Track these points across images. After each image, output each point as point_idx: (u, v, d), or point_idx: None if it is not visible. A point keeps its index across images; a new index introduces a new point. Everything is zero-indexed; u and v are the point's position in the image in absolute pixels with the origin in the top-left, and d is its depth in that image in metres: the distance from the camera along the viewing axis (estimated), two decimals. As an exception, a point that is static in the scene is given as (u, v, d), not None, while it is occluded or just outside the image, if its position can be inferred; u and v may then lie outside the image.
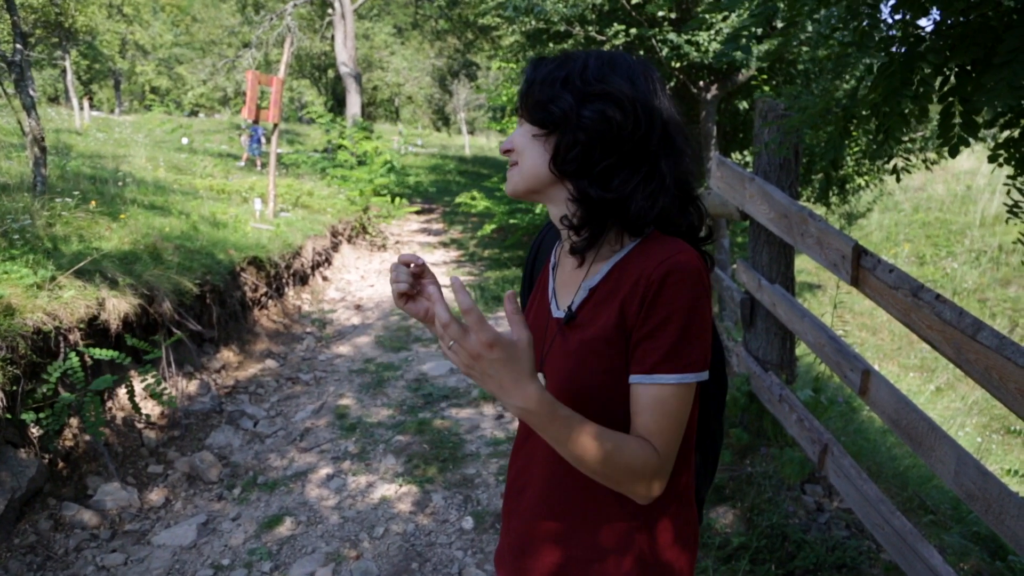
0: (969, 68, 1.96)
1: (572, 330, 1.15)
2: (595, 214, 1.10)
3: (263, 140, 15.77)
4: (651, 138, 1.09)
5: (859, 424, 4.31)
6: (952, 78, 2.02)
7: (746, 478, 3.23)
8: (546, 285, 1.26)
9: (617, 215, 1.09)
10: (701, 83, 9.17)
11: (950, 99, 1.99)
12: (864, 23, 1.80)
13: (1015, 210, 2.38)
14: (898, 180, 3.03)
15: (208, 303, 5.21)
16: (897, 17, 2.17)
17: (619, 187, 1.08)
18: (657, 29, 8.18)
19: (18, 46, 5.60)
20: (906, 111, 2.13)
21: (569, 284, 1.20)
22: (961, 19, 1.90)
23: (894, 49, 2.17)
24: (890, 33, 2.25)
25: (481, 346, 0.91)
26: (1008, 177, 2.37)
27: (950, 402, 8.72)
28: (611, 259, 1.13)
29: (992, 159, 2.28)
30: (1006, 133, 2.26)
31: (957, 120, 1.99)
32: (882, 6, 2.22)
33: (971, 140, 2.03)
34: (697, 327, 1.03)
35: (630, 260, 1.10)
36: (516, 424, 4.39)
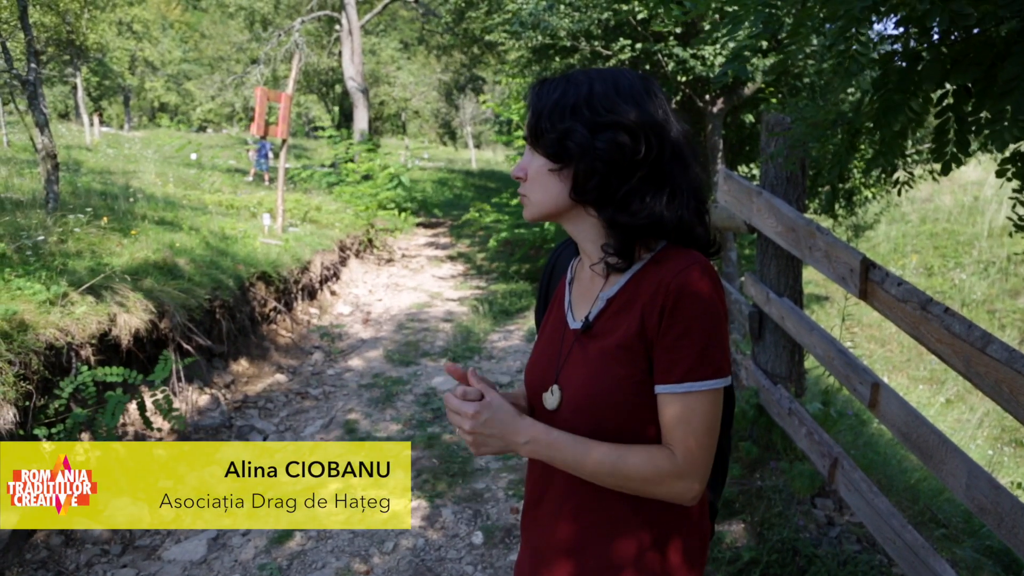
0: (969, 86, 1.96)
1: (590, 339, 1.17)
2: (629, 236, 1.13)
3: (270, 155, 15.87)
4: (663, 156, 1.11)
5: (869, 437, 4.29)
6: (950, 96, 2.02)
7: (756, 492, 3.22)
8: (562, 299, 1.29)
9: (649, 234, 1.13)
10: (707, 97, 9.20)
11: (947, 115, 1.99)
12: (853, 47, 1.80)
13: (1021, 224, 2.38)
14: (899, 194, 3.02)
15: (218, 318, 5.24)
16: (900, 31, 2.18)
17: (646, 209, 1.11)
18: (663, 44, 8.22)
19: (31, 64, 5.68)
20: (898, 129, 2.14)
21: (586, 296, 1.23)
22: (963, 35, 1.91)
23: (896, 61, 2.18)
24: (895, 47, 2.26)
25: (469, 417, 1.14)
26: (1014, 191, 2.37)
27: (960, 414, 8.66)
28: (628, 271, 1.16)
29: (1000, 174, 2.28)
30: (1012, 147, 2.27)
31: (951, 137, 1.99)
32: (885, 21, 2.23)
33: (963, 158, 2.04)
34: (719, 334, 1.08)
35: (647, 271, 1.13)
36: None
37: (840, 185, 9.78)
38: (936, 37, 2.01)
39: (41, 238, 4.68)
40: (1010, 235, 2.49)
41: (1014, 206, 2.38)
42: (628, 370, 1.11)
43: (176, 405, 4.13)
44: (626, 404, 1.11)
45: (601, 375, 1.13)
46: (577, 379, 1.16)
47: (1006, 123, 1.71)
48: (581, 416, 1.15)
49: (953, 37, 1.98)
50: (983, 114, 1.86)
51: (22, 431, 3.21)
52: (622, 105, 1.10)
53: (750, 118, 9.91)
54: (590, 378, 1.14)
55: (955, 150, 2.01)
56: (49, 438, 3.32)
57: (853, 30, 1.80)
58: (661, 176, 1.11)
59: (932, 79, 1.94)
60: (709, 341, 1.06)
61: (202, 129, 36.09)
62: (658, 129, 1.11)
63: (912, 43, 2.13)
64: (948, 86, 2.04)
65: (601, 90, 1.10)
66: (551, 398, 1.20)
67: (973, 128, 1.91)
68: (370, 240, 10.96)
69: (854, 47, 1.82)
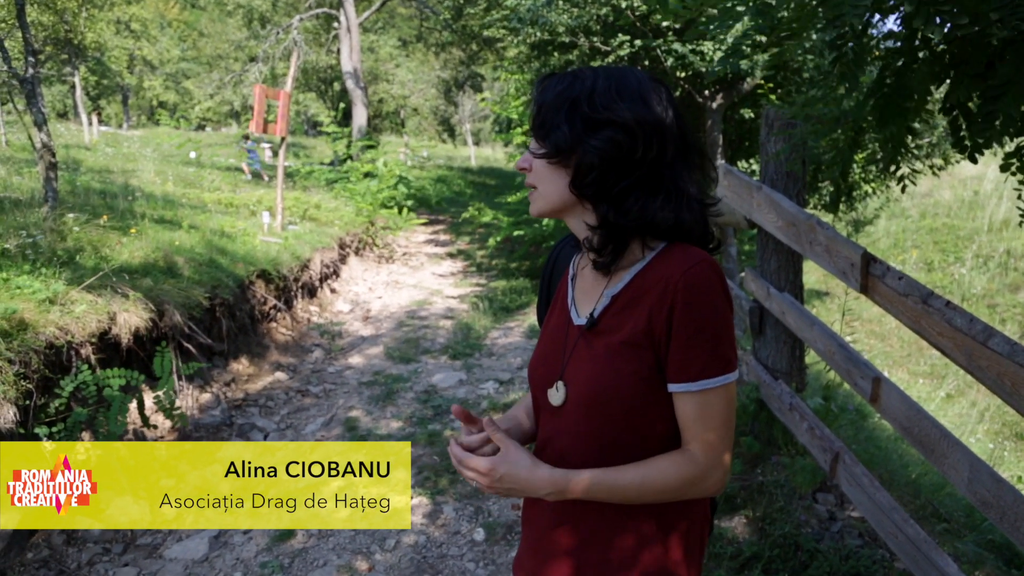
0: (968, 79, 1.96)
1: (596, 336, 1.17)
2: (615, 236, 1.14)
3: (257, 153, 15.90)
4: (664, 157, 1.12)
5: (870, 432, 4.29)
6: (954, 90, 2.01)
7: (757, 487, 3.22)
8: (565, 295, 1.29)
9: (641, 232, 1.14)
10: (706, 92, 9.19)
11: (954, 112, 1.99)
12: (850, 56, 1.77)
13: (1027, 216, 2.37)
14: (903, 190, 3.00)
15: (218, 316, 5.24)
16: (902, 30, 2.16)
17: (638, 209, 1.12)
18: (661, 40, 8.20)
19: (29, 63, 5.66)
20: (894, 131, 2.13)
21: (590, 293, 1.23)
22: (958, 40, 1.89)
23: (896, 61, 2.17)
24: (896, 44, 2.24)
25: (484, 474, 1.15)
26: (1020, 182, 2.36)
27: (961, 408, 8.66)
28: (632, 268, 1.16)
29: (1004, 168, 2.27)
30: (1017, 141, 2.25)
31: (964, 132, 1.98)
32: (884, 21, 2.22)
33: (985, 144, 2.02)
34: (728, 330, 1.10)
35: (652, 268, 1.14)
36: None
37: (843, 183, 9.76)
38: (937, 43, 1.99)
39: (40, 236, 4.68)
40: (1020, 224, 2.48)
41: (1020, 195, 2.37)
42: (634, 366, 1.12)
43: (177, 403, 4.13)
44: (632, 400, 1.12)
45: (607, 371, 1.13)
46: (583, 375, 1.17)
47: (998, 124, 1.71)
48: (587, 412, 1.16)
49: (943, 47, 1.96)
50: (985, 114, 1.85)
51: (23, 430, 3.21)
52: (620, 104, 1.11)
53: (749, 113, 9.89)
54: (596, 374, 1.14)
55: (976, 138, 2.00)
56: (50, 437, 3.32)
57: (848, 30, 1.79)
58: (659, 177, 1.12)
59: (926, 82, 1.94)
60: (720, 338, 1.09)
61: (201, 127, 36.04)
62: (660, 130, 1.12)
63: (915, 42, 2.11)
64: (944, 88, 2.03)
65: (603, 87, 1.12)
66: (556, 394, 1.20)
67: (980, 121, 1.91)
68: (371, 238, 10.95)
69: (851, 55, 1.80)
